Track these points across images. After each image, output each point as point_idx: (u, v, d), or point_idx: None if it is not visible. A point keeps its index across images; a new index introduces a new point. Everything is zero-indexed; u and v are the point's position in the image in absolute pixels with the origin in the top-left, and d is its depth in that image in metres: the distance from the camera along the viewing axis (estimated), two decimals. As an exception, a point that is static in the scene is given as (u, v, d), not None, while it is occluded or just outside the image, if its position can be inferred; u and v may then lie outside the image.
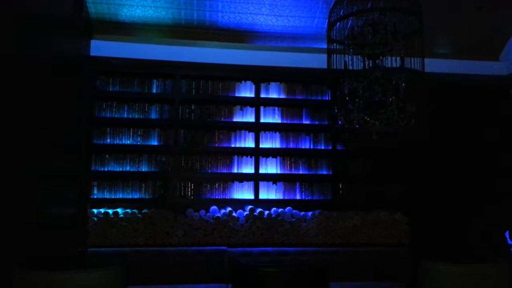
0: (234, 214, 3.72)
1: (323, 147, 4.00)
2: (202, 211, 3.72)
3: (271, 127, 3.97)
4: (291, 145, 3.98)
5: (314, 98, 4.06)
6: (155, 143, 3.83)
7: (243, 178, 3.88)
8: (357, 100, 2.46)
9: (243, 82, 4.00)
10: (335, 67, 2.59)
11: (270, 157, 3.94)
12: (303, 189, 3.93)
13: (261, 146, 3.92)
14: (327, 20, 2.64)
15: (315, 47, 3.96)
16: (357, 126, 2.51)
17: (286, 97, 4.03)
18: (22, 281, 2.02)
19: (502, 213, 4.09)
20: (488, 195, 4.12)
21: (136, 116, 3.84)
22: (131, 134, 3.82)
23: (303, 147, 3.98)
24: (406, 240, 3.84)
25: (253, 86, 3.99)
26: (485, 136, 4.17)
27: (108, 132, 3.78)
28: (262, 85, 4.01)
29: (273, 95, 4.02)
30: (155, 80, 3.90)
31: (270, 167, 3.93)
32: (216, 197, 3.82)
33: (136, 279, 3.33)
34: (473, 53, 4.21)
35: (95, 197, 3.69)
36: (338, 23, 2.53)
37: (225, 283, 3.42)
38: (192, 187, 3.81)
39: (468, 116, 4.19)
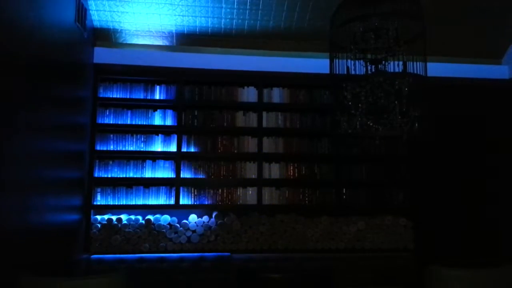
0: (237, 219, 3.72)
1: (326, 152, 3.99)
2: (206, 217, 3.72)
3: (274, 132, 3.97)
4: (294, 150, 3.97)
5: (317, 103, 4.06)
6: (158, 148, 3.84)
7: (246, 183, 3.87)
8: (359, 105, 2.46)
9: (245, 87, 4.00)
10: (337, 72, 2.59)
11: (273, 162, 3.93)
12: (306, 194, 3.92)
13: (264, 151, 3.92)
14: (329, 25, 2.65)
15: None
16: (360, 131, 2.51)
17: (288, 102, 4.03)
18: (27, 287, 2.02)
19: (507, 216, 4.06)
20: (493, 199, 4.10)
21: (139, 122, 3.85)
22: (134, 140, 3.83)
23: (306, 152, 3.98)
24: (411, 245, 3.82)
25: (256, 92, 3.99)
26: (489, 140, 4.16)
27: (111, 138, 3.79)
28: (265, 90, 4.01)
29: (276, 100, 4.02)
30: (158, 86, 3.92)
31: (273, 172, 3.92)
32: (220, 203, 3.82)
33: (140, 285, 3.33)
34: (475, 57, 4.21)
35: (98, 203, 3.69)
36: (340, 28, 2.53)
37: (229, 289, 3.41)
38: (195, 193, 3.81)
39: (471, 120, 4.18)
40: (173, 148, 3.84)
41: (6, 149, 2.15)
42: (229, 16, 3.73)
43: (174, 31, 3.85)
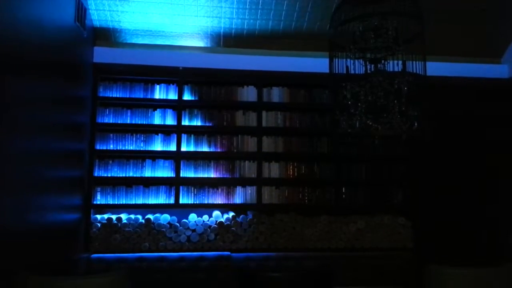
0: (237, 219, 3.72)
1: (326, 151, 3.99)
2: (205, 216, 3.72)
3: (273, 132, 3.98)
4: (294, 149, 3.98)
5: (316, 102, 4.06)
6: (158, 148, 3.84)
7: (245, 182, 3.87)
8: (359, 104, 2.46)
9: (245, 87, 4.01)
10: (337, 71, 2.60)
11: (273, 162, 3.94)
12: (306, 193, 3.92)
13: (263, 150, 3.92)
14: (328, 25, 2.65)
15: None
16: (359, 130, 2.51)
17: (288, 101, 4.03)
18: (27, 286, 2.02)
19: (507, 216, 4.07)
20: (492, 198, 4.11)
21: (139, 122, 3.86)
22: (134, 139, 3.83)
23: (305, 151, 3.98)
24: (410, 244, 3.82)
25: (256, 91, 4.00)
26: (488, 139, 4.16)
27: (111, 137, 3.80)
28: (265, 90, 4.02)
29: (275, 99, 4.02)
30: (157, 86, 3.92)
31: (273, 171, 3.92)
32: (219, 202, 3.82)
33: (140, 284, 3.33)
34: (475, 56, 4.21)
35: (98, 202, 3.70)
36: (339, 27, 2.54)
37: (228, 288, 3.41)
38: (195, 192, 3.81)
39: (470, 119, 4.19)
40: (172, 147, 3.84)
41: (5, 148, 2.15)
42: (228, 16, 3.73)
43: (173, 31, 3.85)
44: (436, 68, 3.67)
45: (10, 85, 2.19)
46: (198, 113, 3.93)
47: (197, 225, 3.66)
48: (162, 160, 3.83)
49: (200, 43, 3.98)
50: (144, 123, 3.86)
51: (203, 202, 3.80)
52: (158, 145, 3.85)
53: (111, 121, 3.81)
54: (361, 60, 2.56)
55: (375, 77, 2.43)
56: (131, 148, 3.81)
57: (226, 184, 3.85)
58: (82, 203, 3.52)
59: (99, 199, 3.71)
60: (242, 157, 3.91)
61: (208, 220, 3.70)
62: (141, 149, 3.82)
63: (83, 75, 3.56)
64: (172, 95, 3.91)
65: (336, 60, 2.61)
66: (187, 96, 3.93)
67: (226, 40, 3.97)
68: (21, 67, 2.33)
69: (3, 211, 2.12)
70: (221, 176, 3.86)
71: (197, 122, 3.92)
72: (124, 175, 3.76)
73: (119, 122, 3.82)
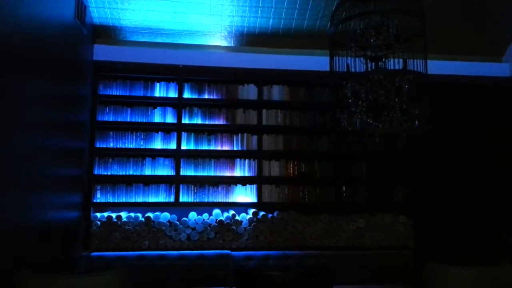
0: (237, 217, 3.72)
1: (326, 150, 3.98)
2: (205, 215, 3.72)
3: (273, 130, 3.97)
4: (294, 148, 3.97)
5: (317, 100, 4.05)
6: (158, 146, 3.83)
7: (245, 181, 3.87)
8: (359, 102, 2.45)
9: (245, 85, 4.00)
10: (337, 69, 2.59)
11: (273, 160, 3.93)
12: (306, 192, 3.91)
13: (263, 148, 3.91)
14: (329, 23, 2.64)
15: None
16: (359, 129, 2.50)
17: (288, 99, 4.03)
18: (27, 284, 2.02)
19: (508, 215, 4.06)
20: (493, 198, 4.10)
21: (139, 120, 3.85)
22: (134, 137, 3.82)
23: (306, 149, 3.97)
24: (410, 243, 3.82)
25: (256, 89, 3.99)
26: (489, 137, 4.15)
27: (111, 135, 3.79)
28: (265, 88, 4.01)
29: (276, 97, 4.02)
30: (157, 84, 3.91)
31: (273, 170, 3.91)
32: (219, 201, 3.82)
33: (140, 283, 3.33)
34: (476, 54, 4.20)
35: (98, 201, 3.69)
36: (340, 25, 2.52)
37: (229, 287, 3.41)
38: (195, 191, 3.80)
39: (471, 118, 4.18)
40: (172, 145, 3.83)
41: (5, 146, 2.14)
42: (229, 14, 3.72)
43: (174, 28, 3.84)
44: (437, 66, 3.66)
45: (9, 82, 2.18)
46: (198, 111, 3.92)
47: (197, 223, 3.66)
48: (162, 158, 3.82)
49: (200, 41, 3.96)
50: (144, 121, 3.85)
51: (203, 201, 3.80)
52: (158, 143, 3.84)
53: (111, 119, 3.81)
54: (361, 58, 2.54)
55: (376, 75, 2.41)
56: (131, 146, 3.80)
57: (226, 183, 3.85)
58: (82, 201, 3.52)
59: (99, 197, 3.70)
60: (242, 155, 3.90)
61: (208, 219, 3.69)
62: (141, 147, 3.81)
63: (83, 73, 3.55)
64: (172, 93, 3.91)
65: (337, 58, 2.59)
66: (187, 94, 3.92)
67: (227, 38, 3.96)
68: (20, 65, 2.32)
69: (3, 209, 2.12)
70: (221, 175, 3.86)
71: (197, 120, 3.91)
72: (124, 173, 3.75)
73: (119, 120, 3.81)
